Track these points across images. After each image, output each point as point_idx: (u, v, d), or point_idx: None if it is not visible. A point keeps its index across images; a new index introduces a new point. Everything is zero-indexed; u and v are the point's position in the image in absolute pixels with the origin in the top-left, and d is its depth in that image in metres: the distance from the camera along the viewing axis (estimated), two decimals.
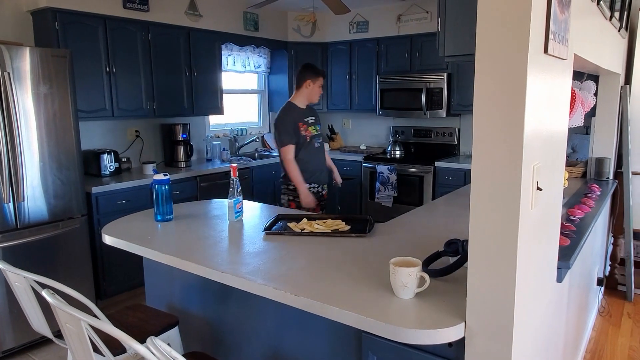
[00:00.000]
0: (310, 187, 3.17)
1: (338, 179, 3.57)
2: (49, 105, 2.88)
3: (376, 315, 1.27)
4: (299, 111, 3.17)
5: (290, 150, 3.10)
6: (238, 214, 2.23)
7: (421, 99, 4.65)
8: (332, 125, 5.69)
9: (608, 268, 3.71)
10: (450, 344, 1.29)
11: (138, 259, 2.23)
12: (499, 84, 1.14)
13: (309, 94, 3.17)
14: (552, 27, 1.24)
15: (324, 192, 3.31)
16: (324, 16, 5.31)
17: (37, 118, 2.83)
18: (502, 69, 1.13)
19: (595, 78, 3.08)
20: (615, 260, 3.68)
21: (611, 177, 3.24)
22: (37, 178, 2.86)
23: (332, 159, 5.30)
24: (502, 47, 1.12)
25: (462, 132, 4.91)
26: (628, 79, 3.46)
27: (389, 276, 1.40)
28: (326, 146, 3.43)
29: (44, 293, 1.35)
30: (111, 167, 3.65)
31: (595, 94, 2.98)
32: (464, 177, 4.23)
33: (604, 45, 2.44)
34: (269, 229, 2.05)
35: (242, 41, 4.80)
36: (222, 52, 4.61)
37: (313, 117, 3.23)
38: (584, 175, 3.24)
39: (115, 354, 1.51)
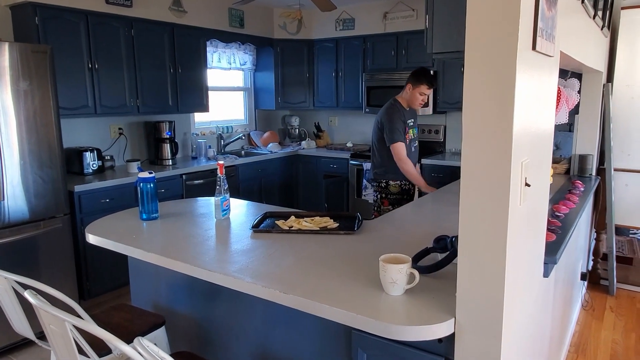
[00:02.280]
0: (401, 184, 3.21)
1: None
2: (29, 102, 2.81)
3: (366, 312, 1.26)
4: (403, 111, 3.16)
5: (402, 148, 3.09)
6: (225, 211, 2.21)
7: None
8: (318, 123, 5.68)
9: (591, 263, 3.78)
10: (440, 340, 1.29)
11: (122, 258, 2.19)
12: (489, 80, 1.14)
13: (408, 98, 3.16)
14: (540, 24, 1.24)
15: (413, 190, 3.29)
16: (310, 13, 5.29)
17: (16, 115, 2.75)
18: (491, 65, 1.13)
19: (578, 76, 3.12)
20: (598, 255, 3.75)
21: (594, 173, 3.29)
22: (18, 176, 2.79)
23: (317, 156, 5.36)
24: (491, 43, 1.13)
25: (448, 130, 4.94)
26: (610, 77, 3.52)
27: (378, 273, 1.39)
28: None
29: (27, 294, 1.31)
30: (94, 165, 3.59)
31: (579, 92, 3.02)
32: (451, 174, 4.26)
33: (588, 43, 2.47)
34: (256, 227, 2.03)
35: (227, 38, 4.75)
36: (207, 49, 4.56)
37: (413, 120, 3.24)
38: (567, 171, 3.29)
39: (100, 355, 1.48)
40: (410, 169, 3.13)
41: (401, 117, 3.11)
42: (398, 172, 3.15)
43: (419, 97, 3.11)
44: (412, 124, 3.21)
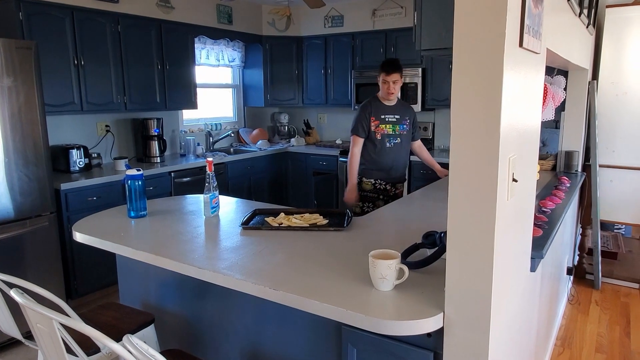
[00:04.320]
0: (375, 183, 3.12)
1: (441, 173, 3.35)
2: (14, 98, 2.77)
3: (356, 308, 1.27)
4: (379, 106, 3.08)
5: (356, 142, 3.08)
6: (214, 209, 2.20)
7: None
8: (307, 120, 5.67)
9: (577, 258, 3.84)
10: (429, 334, 1.30)
11: (110, 257, 2.18)
12: (476, 77, 1.15)
13: (381, 89, 3.08)
14: (527, 21, 1.25)
15: (397, 191, 3.21)
16: (298, 10, 5.28)
17: (1, 112, 2.71)
18: (479, 61, 1.14)
19: (565, 73, 3.16)
20: (584, 250, 3.80)
21: (580, 169, 3.34)
22: (2, 175, 2.75)
23: (307, 153, 5.35)
24: (479, 40, 1.14)
25: (436, 127, 4.97)
26: (595, 75, 3.57)
27: (367, 269, 1.40)
28: (416, 144, 3.32)
29: (13, 292, 1.29)
30: (81, 163, 3.55)
31: (565, 89, 3.06)
32: None
33: (573, 41, 2.50)
34: (246, 224, 2.03)
35: (215, 34, 4.72)
36: (195, 46, 4.53)
37: (395, 115, 3.09)
38: (554, 168, 3.33)
39: (88, 354, 1.47)
40: (352, 164, 3.09)
41: (367, 111, 3.06)
42: (374, 170, 3.12)
43: (383, 86, 3.04)
44: (392, 119, 3.09)
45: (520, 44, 1.25)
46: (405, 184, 3.35)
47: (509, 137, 1.22)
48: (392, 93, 3.04)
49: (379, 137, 3.07)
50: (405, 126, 3.14)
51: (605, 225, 4.26)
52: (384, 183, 3.15)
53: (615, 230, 4.60)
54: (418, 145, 3.36)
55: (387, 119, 3.08)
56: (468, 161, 1.18)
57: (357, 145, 3.10)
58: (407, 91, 4.64)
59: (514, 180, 1.28)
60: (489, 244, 1.18)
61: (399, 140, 3.13)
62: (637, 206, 3.59)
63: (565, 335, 2.97)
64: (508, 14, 1.11)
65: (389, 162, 3.13)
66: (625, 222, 3.82)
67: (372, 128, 3.07)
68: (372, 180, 3.14)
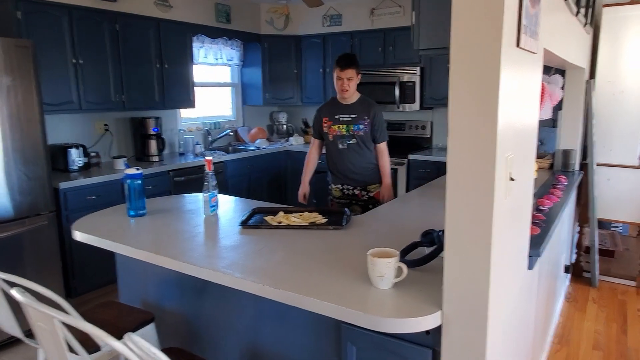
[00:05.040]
0: (342, 189, 2.99)
1: (382, 191, 2.96)
2: (12, 98, 2.77)
3: (355, 306, 1.28)
4: (333, 105, 2.92)
5: (312, 142, 3.10)
6: (213, 208, 2.21)
7: (394, 92, 4.68)
8: (306, 119, 5.68)
9: (574, 256, 3.86)
10: (427, 332, 1.31)
11: (109, 255, 2.18)
12: (474, 77, 1.16)
13: (335, 86, 2.85)
14: (524, 21, 1.26)
15: (370, 194, 2.96)
16: (297, 9, 5.28)
17: None
18: (476, 62, 1.15)
19: (562, 72, 3.17)
20: (581, 248, 3.82)
21: (577, 168, 3.36)
22: (1, 174, 2.75)
23: (305, 152, 5.28)
24: (476, 40, 1.14)
25: (434, 125, 4.98)
26: (592, 74, 3.58)
27: (366, 267, 1.41)
28: (378, 147, 2.93)
29: (14, 291, 1.30)
30: (79, 162, 3.55)
31: (563, 88, 3.07)
32: (437, 170, 4.30)
33: (570, 40, 2.51)
34: (245, 223, 2.03)
35: (213, 33, 4.72)
36: (194, 44, 4.53)
37: (352, 116, 2.84)
38: (551, 166, 3.35)
39: (89, 353, 1.48)
40: (306, 162, 3.12)
41: (320, 112, 2.98)
42: (336, 175, 3.00)
43: (337, 82, 2.81)
44: (346, 118, 2.85)
45: (518, 44, 1.26)
46: (405, 185, 3.29)
47: (506, 136, 1.23)
48: (347, 90, 2.79)
49: (331, 138, 2.92)
50: (362, 126, 2.84)
51: (603, 224, 4.28)
52: (351, 188, 2.97)
53: (612, 229, 4.62)
54: (380, 149, 2.93)
55: (341, 119, 2.87)
56: (466, 160, 1.19)
57: (312, 146, 3.12)
58: (406, 90, 4.66)
59: (512, 179, 1.29)
60: (486, 242, 1.20)
61: (354, 141, 2.87)
62: (633, 204, 3.61)
63: (562, 333, 2.99)
64: (505, 14, 1.12)
65: (346, 165, 2.92)
66: (622, 220, 3.84)
67: (324, 129, 2.94)
68: (339, 186, 3.00)
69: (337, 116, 2.89)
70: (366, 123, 2.85)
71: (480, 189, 1.19)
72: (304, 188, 3.15)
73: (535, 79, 1.60)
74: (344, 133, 2.88)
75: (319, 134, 3.03)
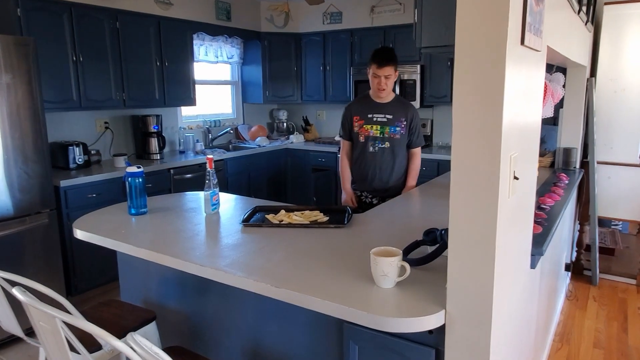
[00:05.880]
0: (360, 195, 2.77)
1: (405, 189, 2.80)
2: (13, 95, 2.76)
3: (357, 305, 1.28)
4: (366, 103, 2.69)
5: (342, 145, 2.81)
6: (214, 206, 2.20)
7: (395, 90, 4.66)
8: (306, 117, 5.67)
9: (575, 254, 3.86)
10: (430, 331, 1.31)
11: (110, 254, 2.18)
12: (479, 75, 1.15)
13: (371, 84, 2.63)
14: (528, 19, 1.26)
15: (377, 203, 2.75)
16: (297, 6, 5.27)
17: None
18: (481, 59, 1.14)
19: (563, 70, 3.16)
20: (582, 247, 3.82)
21: (578, 166, 3.35)
22: (1, 172, 2.74)
23: (306, 150, 5.34)
24: (481, 38, 1.14)
25: (435, 124, 4.98)
26: (593, 72, 3.57)
27: (369, 266, 1.40)
28: (416, 151, 2.76)
29: (15, 291, 1.30)
30: (80, 160, 3.54)
31: (564, 86, 3.06)
32: (438, 168, 4.30)
33: (572, 38, 2.51)
34: (246, 221, 2.03)
35: (214, 31, 4.71)
36: (194, 42, 4.51)
37: (388, 116, 2.63)
38: (552, 164, 3.34)
39: (90, 352, 1.47)
40: (341, 170, 2.80)
41: (351, 110, 2.74)
42: (358, 181, 2.80)
43: (373, 80, 2.60)
44: (381, 119, 2.64)
45: (522, 42, 1.25)
46: None
47: (510, 134, 1.23)
48: (384, 89, 2.60)
49: (361, 139, 2.68)
50: (398, 128, 2.66)
51: (603, 222, 4.28)
52: (370, 197, 2.76)
53: (612, 227, 4.62)
54: (414, 153, 2.78)
55: (375, 119, 2.66)
56: (470, 159, 1.19)
57: (343, 149, 2.83)
58: (406, 88, 4.65)
59: (515, 177, 1.28)
60: (490, 241, 1.19)
61: (387, 144, 2.67)
62: (634, 202, 3.61)
63: (563, 331, 2.99)
64: (510, 11, 1.11)
65: (371, 170, 2.72)
66: (622, 218, 3.84)
67: (356, 129, 2.71)
68: (358, 192, 2.82)
69: (370, 115, 2.66)
70: (403, 125, 2.67)
71: (484, 188, 1.18)
72: (349, 194, 2.83)
73: (539, 77, 1.59)
74: (377, 135, 2.66)
75: (349, 135, 2.76)
